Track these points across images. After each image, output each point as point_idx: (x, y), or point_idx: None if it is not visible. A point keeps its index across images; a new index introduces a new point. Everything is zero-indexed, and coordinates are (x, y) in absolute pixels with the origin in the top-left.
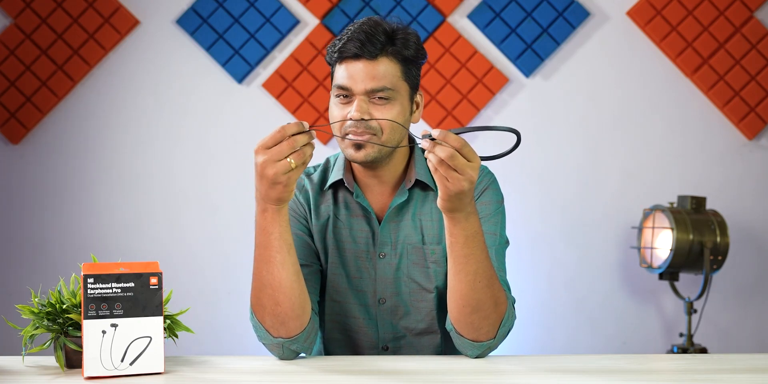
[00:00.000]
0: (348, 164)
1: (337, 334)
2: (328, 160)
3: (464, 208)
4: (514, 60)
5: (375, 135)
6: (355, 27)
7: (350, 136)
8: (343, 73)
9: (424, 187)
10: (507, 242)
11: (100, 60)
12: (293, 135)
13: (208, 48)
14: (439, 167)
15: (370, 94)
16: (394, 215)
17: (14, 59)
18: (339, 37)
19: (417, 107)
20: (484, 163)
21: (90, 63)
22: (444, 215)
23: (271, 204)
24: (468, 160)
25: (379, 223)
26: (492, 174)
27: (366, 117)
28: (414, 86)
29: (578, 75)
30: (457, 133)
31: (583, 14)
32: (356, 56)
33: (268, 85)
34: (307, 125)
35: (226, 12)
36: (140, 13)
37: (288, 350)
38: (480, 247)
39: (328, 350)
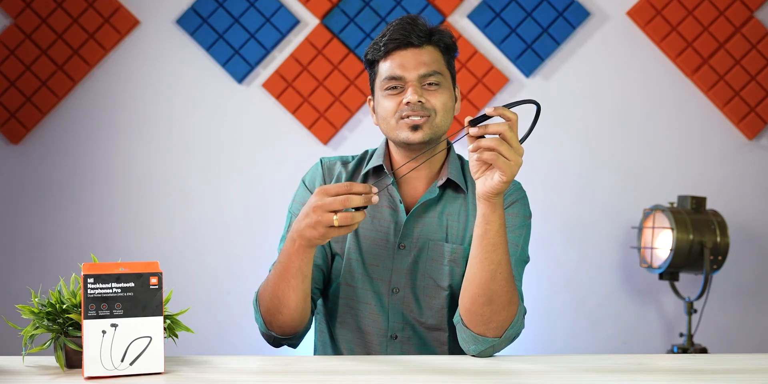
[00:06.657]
0: (388, 154)
1: (348, 318)
2: (366, 152)
3: (502, 193)
4: (514, 60)
5: (430, 116)
6: (395, 23)
7: (408, 119)
8: (392, 64)
9: (456, 188)
10: (527, 259)
11: (100, 60)
12: (354, 193)
13: (208, 48)
14: (500, 147)
15: (421, 79)
16: (421, 210)
17: (14, 59)
18: (380, 37)
19: (457, 99)
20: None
21: (90, 63)
22: (485, 202)
23: (302, 240)
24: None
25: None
26: (523, 190)
27: (423, 100)
28: (454, 77)
29: (578, 75)
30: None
31: (583, 14)
32: (405, 45)
33: (268, 85)
34: (375, 189)
35: (226, 12)
36: (140, 13)
37: (277, 342)
38: (505, 240)
39: (335, 334)
